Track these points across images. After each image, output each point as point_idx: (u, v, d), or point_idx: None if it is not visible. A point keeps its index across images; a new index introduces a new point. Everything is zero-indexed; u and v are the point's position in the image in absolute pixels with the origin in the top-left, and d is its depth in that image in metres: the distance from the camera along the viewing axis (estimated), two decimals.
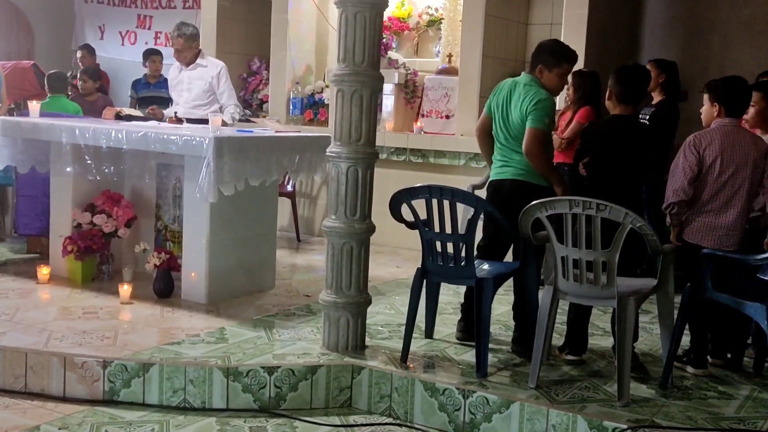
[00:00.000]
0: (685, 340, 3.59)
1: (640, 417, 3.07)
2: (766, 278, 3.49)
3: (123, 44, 8.47)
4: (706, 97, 3.63)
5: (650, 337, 4.16)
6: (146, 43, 8.15)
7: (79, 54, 7.64)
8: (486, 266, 3.68)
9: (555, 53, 3.77)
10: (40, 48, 8.37)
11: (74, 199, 4.81)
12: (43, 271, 4.71)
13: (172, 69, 5.73)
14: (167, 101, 5.99)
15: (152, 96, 6.81)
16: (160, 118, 5.50)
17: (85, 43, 8.02)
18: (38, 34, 8.41)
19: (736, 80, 3.66)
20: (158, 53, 7.20)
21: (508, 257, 3.96)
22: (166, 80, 6.89)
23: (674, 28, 6.44)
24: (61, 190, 4.87)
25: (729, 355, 3.74)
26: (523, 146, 3.69)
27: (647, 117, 5.16)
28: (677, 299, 3.51)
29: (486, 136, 3.98)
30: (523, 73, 3.87)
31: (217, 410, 3.37)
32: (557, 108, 5.68)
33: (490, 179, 3.93)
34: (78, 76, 6.47)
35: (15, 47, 8.24)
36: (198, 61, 5.51)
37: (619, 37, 6.38)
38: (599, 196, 3.19)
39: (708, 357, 3.66)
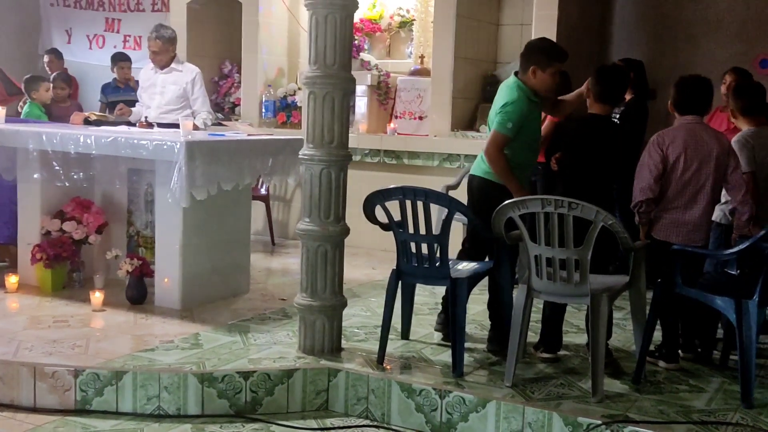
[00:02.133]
0: (657, 335, 3.63)
1: (614, 412, 3.11)
2: (733, 272, 3.56)
3: (91, 48, 8.35)
4: None
5: (623, 333, 4.20)
6: (115, 47, 8.03)
7: (46, 59, 7.52)
8: (460, 266, 3.69)
9: (548, 53, 3.73)
10: (5, 53, 8.20)
11: (43, 206, 4.74)
12: (12, 280, 4.63)
13: (144, 69, 5.65)
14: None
15: (122, 100, 6.72)
16: (129, 116, 5.45)
17: (53, 48, 7.90)
18: (3, 38, 8.25)
19: (685, 80, 3.67)
20: (127, 59, 7.11)
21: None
22: (136, 83, 6.82)
23: (642, 27, 6.53)
24: (28, 197, 4.79)
25: (699, 350, 3.80)
26: (484, 146, 3.72)
27: (618, 116, 5.22)
28: (649, 295, 3.55)
29: None
30: (512, 74, 3.84)
31: (193, 416, 3.34)
32: None
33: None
34: (53, 83, 6.38)
35: None
36: (173, 65, 5.45)
37: (589, 36, 6.45)
38: (574, 195, 3.22)
39: (679, 351, 3.71)
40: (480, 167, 3.83)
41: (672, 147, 3.54)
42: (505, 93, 3.73)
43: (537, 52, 3.74)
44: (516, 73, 3.79)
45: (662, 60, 6.25)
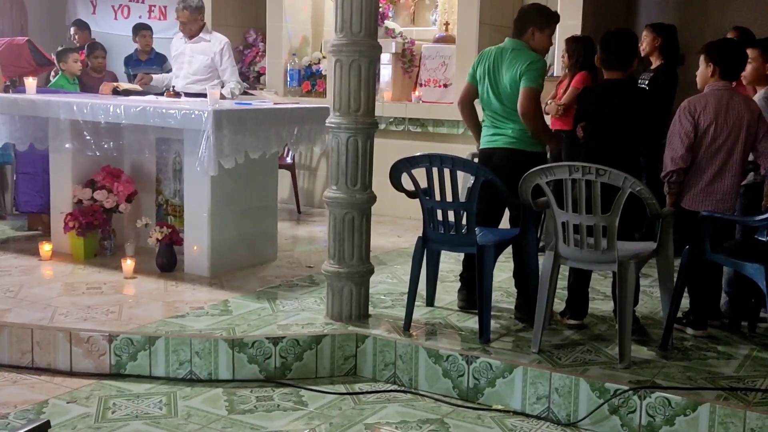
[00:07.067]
0: (685, 302, 3.62)
1: (642, 378, 3.12)
2: (763, 239, 3.52)
3: (116, 18, 8.37)
4: (702, 58, 3.61)
5: (650, 300, 4.19)
6: (140, 17, 8.04)
7: (72, 30, 7.56)
8: (486, 233, 3.70)
9: (544, 15, 3.88)
10: (33, 24, 8.27)
11: (74, 175, 4.81)
12: (45, 248, 4.73)
13: (175, 38, 5.69)
14: None
15: (144, 74, 6.77)
16: (149, 82, 5.55)
17: (78, 19, 7.93)
18: (31, 10, 8.32)
19: (733, 43, 3.66)
20: (148, 28, 7.12)
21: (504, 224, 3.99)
22: (157, 56, 6.86)
23: None
24: (60, 167, 4.87)
25: (726, 319, 3.77)
26: (519, 107, 3.70)
27: (646, 82, 5.14)
28: (677, 262, 3.54)
29: (470, 107, 4.01)
30: (507, 39, 3.87)
31: (224, 381, 3.41)
32: (557, 75, 5.69)
33: (480, 147, 3.94)
34: (89, 53, 6.43)
35: (9, 24, 8.16)
36: (201, 35, 5.46)
37: (615, 2, 6.33)
38: (596, 161, 3.20)
39: (707, 319, 3.70)
40: (501, 140, 3.80)
41: (703, 114, 3.48)
42: (520, 54, 3.75)
43: (534, 15, 3.86)
44: (513, 38, 3.83)
45: (691, 24, 6.12)
